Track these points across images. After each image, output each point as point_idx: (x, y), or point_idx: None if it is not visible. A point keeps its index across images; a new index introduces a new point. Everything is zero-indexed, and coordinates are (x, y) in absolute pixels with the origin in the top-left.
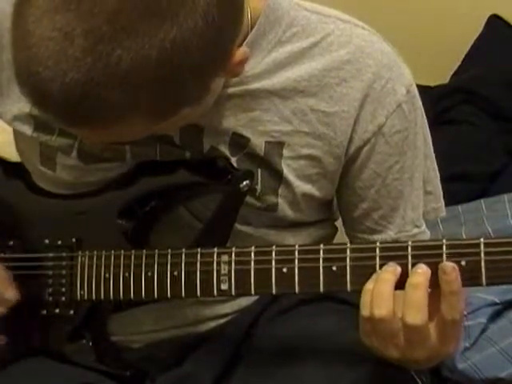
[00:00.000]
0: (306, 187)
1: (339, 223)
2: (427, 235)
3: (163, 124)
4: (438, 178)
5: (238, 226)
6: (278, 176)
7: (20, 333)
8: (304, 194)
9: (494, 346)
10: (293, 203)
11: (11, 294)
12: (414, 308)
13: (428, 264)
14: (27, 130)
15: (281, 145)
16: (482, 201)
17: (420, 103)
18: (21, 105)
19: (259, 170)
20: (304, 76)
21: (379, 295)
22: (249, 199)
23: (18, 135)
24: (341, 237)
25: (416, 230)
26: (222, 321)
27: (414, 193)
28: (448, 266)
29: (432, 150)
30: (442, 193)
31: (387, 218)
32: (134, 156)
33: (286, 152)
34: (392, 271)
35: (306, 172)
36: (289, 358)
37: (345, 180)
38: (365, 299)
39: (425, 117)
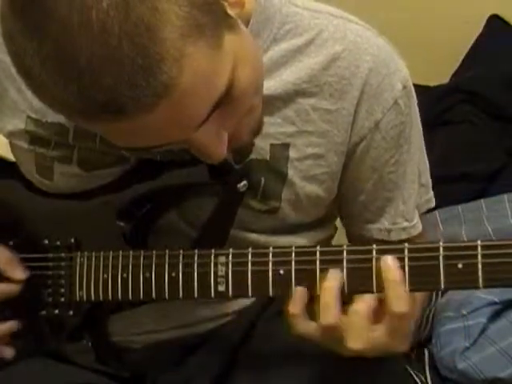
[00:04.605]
0: (310, 188)
1: (338, 222)
2: (418, 229)
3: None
4: (428, 169)
5: (238, 232)
6: (281, 179)
7: (20, 333)
8: (307, 194)
9: (494, 346)
10: (295, 204)
11: (20, 273)
12: (353, 334)
13: (426, 267)
14: (23, 144)
15: (286, 146)
16: (482, 201)
17: (414, 96)
18: (15, 121)
19: (263, 178)
20: (304, 77)
21: (325, 304)
22: (249, 202)
23: (13, 144)
24: (340, 236)
25: (405, 224)
26: (222, 321)
27: (405, 186)
28: (387, 257)
29: (423, 141)
30: (431, 183)
31: (384, 208)
32: (137, 160)
33: (292, 153)
34: (334, 278)
35: (312, 172)
36: (288, 358)
37: (343, 175)
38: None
39: (417, 108)
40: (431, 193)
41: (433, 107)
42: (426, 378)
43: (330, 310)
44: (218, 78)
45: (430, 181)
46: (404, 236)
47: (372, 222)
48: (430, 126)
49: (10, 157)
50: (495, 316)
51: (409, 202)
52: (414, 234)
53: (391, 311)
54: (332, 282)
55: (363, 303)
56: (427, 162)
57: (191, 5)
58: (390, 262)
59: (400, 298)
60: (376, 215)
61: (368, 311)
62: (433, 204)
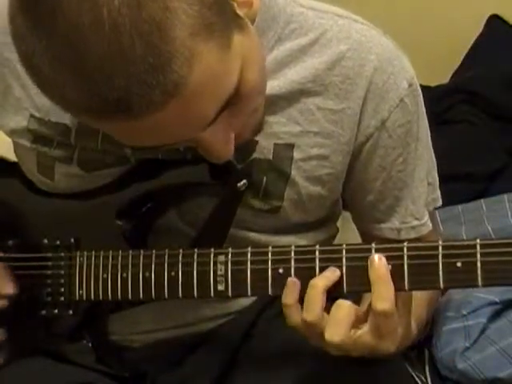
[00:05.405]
0: (313, 189)
1: (339, 222)
2: (428, 228)
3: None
4: (436, 168)
5: (239, 231)
6: (284, 179)
7: (20, 333)
8: (310, 194)
9: (494, 346)
10: (297, 204)
11: (9, 288)
12: (331, 326)
13: (425, 265)
14: (25, 142)
15: (290, 147)
16: (482, 201)
17: (421, 94)
18: (18, 118)
19: (265, 178)
20: (308, 77)
21: (308, 300)
22: (250, 201)
23: (15, 143)
24: (341, 236)
25: (416, 223)
26: (222, 321)
27: (414, 185)
28: (374, 255)
29: (430, 140)
30: (438, 182)
31: (394, 208)
32: (137, 160)
33: (296, 154)
34: (324, 276)
35: (317, 173)
36: (288, 358)
37: (350, 175)
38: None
39: (424, 106)
40: (438, 192)
41: (433, 107)
42: (426, 378)
43: (312, 306)
44: (227, 77)
45: (437, 179)
46: (413, 235)
47: (383, 221)
48: (429, 126)
49: (11, 157)
50: (495, 316)
51: (418, 201)
52: (423, 233)
53: (374, 308)
54: (320, 281)
55: (348, 300)
56: (434, 160)
57: (201, 4)
58: (376, 259)
59: (383, 296)
60: (386, 215)
61: (350, 307)
62: (439, 203)
